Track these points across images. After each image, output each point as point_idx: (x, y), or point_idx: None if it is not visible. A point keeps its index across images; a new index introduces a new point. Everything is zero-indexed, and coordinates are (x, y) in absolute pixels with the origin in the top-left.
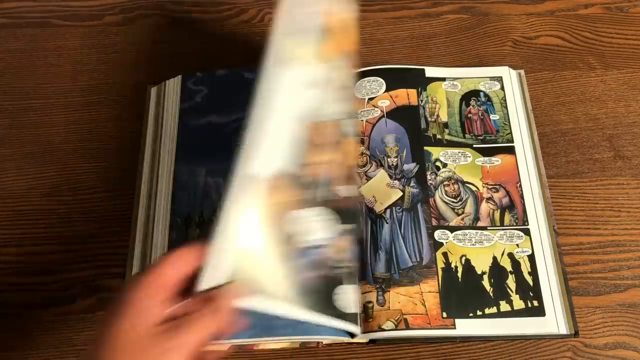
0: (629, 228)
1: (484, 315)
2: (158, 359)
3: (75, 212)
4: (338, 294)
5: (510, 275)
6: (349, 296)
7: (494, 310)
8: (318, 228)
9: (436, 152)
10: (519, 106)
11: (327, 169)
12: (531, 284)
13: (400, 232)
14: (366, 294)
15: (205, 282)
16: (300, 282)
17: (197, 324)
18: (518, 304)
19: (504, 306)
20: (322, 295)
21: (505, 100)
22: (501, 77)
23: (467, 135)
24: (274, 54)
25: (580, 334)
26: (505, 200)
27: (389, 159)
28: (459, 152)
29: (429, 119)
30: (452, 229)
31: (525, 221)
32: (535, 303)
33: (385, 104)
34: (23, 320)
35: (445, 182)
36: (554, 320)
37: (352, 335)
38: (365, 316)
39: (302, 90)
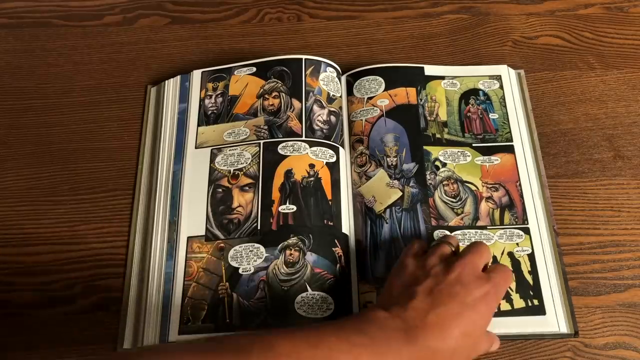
0: (629, 228)
1: None
2: None
3: (75, 212)
4: (301, 301)
5: None
6: (317, 300)
7: None
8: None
9: (435, 152)
10: (518, 105)
11: None
12: (531, 282)
13: (400, 232)
14: (365, 294)
15: None
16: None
17: None
18: (518, 302)
19: (504, 305)
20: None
21: (504, 99)
22: (500, 75)
23: (466, 135)
24: None
25: (580, 333)
26: (505, 200)
27: (388, 159)
28: (458, 151)
29: (428, 118)
30: (452, 229)
31: (525, 220)
32: (536, 302)
33: (384, 103)
34: (23, 320)
35: (445, 182)
36: (554, 319)
37: None
38: None
39: None
